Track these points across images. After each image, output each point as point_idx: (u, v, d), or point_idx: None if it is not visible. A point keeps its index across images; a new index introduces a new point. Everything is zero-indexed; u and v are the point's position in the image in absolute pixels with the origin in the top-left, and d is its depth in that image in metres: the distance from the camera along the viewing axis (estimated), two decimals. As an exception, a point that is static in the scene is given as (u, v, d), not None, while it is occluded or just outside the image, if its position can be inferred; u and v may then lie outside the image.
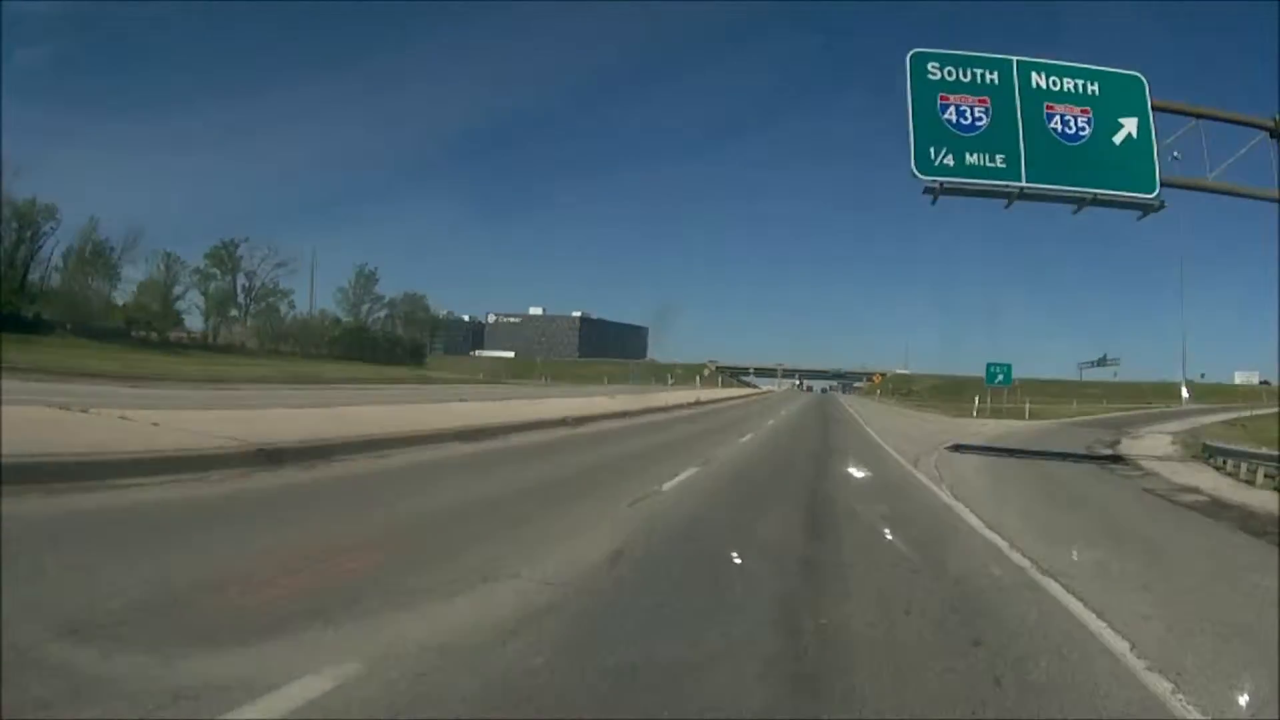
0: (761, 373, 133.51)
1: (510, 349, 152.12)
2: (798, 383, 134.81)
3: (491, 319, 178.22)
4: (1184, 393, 50.01)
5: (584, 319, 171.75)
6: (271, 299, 69.99)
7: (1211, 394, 71.43)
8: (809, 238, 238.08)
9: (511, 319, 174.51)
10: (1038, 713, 3.26)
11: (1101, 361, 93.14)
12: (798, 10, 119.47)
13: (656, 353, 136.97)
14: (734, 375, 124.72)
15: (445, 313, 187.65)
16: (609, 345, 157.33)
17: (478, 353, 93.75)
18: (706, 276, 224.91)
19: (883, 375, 60.03)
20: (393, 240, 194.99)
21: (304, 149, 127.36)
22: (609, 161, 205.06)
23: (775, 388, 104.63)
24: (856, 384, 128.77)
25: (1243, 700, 3.55)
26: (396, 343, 78.99)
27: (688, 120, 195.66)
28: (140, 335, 54.17)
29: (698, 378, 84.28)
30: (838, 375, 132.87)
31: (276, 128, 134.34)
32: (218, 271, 67.31)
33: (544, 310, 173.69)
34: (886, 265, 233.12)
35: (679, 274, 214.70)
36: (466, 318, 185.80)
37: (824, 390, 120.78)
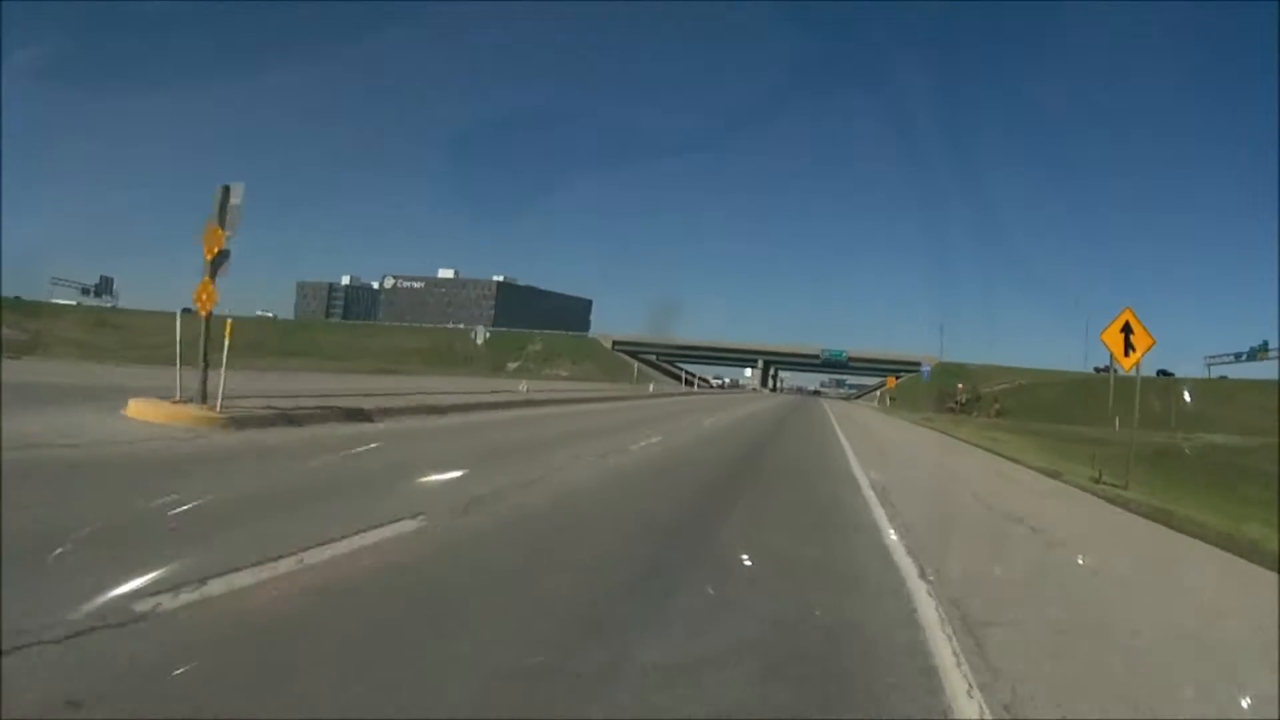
0: (732, 357, 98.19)
1: (407, 319, 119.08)
2: (751, 376, 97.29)
3: (389, 283, 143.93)
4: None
5: (504, 284, 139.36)
6: None
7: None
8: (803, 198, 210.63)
9: (413, 283, 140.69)
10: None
11: (1259, 351, 63.96)
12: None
13: (609, 327, 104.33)
14: (665, 361, 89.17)
15: (349, 278, 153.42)
16: (538, 317, 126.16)
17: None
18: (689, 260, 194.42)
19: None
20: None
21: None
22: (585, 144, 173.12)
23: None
24: (856, 381, 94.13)
25: (1244, 701, 3.39)
26: None
27: (670, 110, 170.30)
28: None
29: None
30: (831, 362, 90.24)
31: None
32: None
33: (456, 273, 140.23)
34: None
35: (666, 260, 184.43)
36: (375, 284, 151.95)
37: (815, 392, 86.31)
